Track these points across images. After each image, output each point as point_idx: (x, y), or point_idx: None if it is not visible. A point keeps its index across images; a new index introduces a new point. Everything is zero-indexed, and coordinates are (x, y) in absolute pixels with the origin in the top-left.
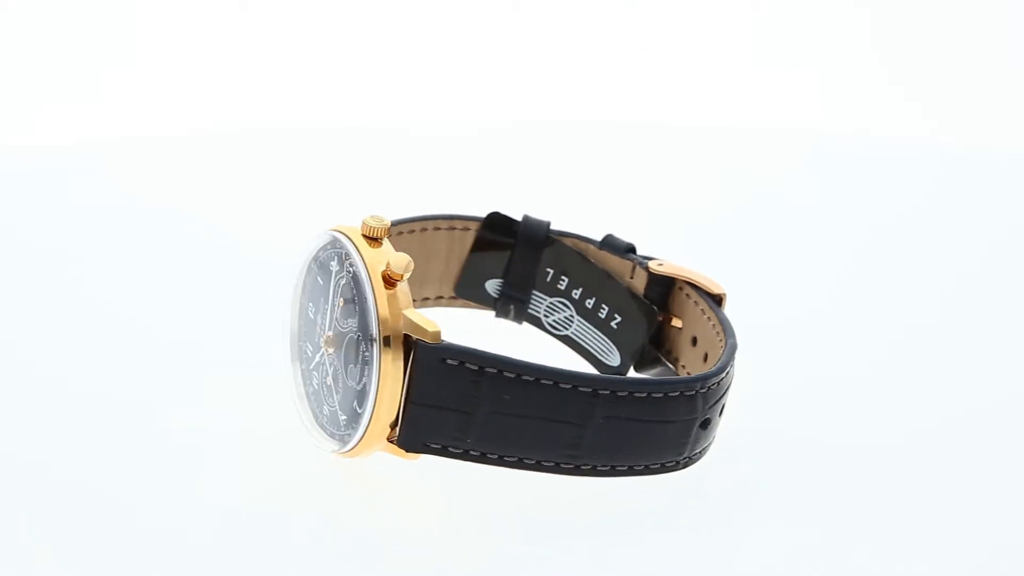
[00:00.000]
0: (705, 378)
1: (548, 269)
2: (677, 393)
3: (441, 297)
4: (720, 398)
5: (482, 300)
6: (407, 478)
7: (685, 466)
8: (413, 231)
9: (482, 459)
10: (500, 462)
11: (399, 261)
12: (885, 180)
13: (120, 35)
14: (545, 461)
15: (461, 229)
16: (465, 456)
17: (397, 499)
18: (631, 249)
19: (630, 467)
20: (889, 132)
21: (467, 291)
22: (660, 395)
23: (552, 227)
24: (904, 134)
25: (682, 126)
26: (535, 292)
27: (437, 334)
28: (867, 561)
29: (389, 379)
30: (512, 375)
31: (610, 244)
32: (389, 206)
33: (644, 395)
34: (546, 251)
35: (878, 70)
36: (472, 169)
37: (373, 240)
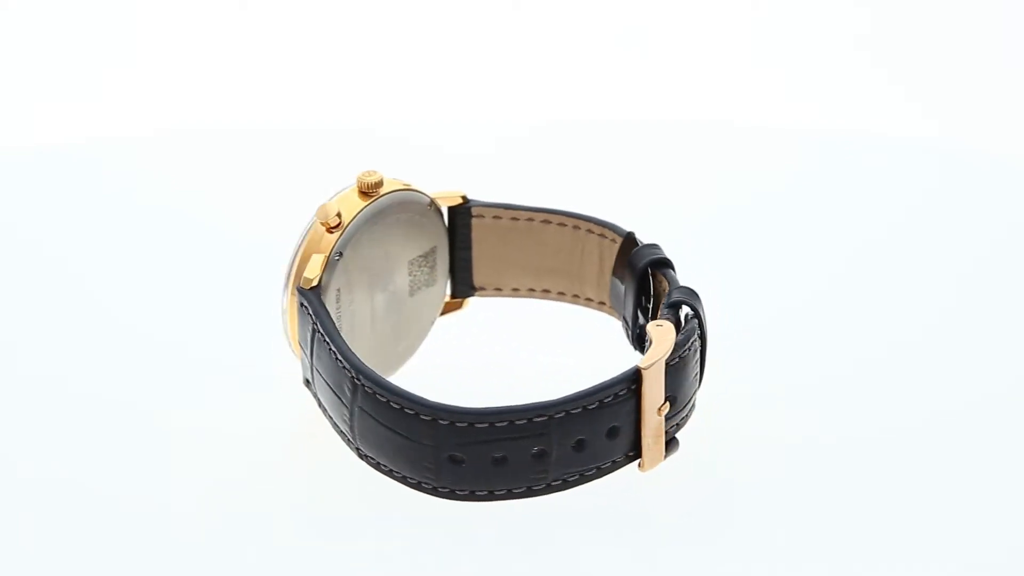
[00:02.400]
0: (446, 410)
1: (648, 305)
2: (413, 412)
3: (603, 303)
4: (488, 442)
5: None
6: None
7: (447, 497)
8: (565, 225)
9: (321, 408)
10: (326, 414)
11: (324, 210)
12: (884, 180)
13: (118, 35)
14: (342, 429)
15: (610, 240)
16: (319, 404)
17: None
18: (673, 305)
19: (391, 470)
20: (889, 132)
21: (616, 304)
22: (397, 407)
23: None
24: (904, 134)
25: (682, 125)
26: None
27: (307, 280)
28: (856, 562)
29: (289, 310)
30: (321, 335)
31: (668, 294)
32: None
33: (384, 400)
34: (647, 284)
35: (878, 70)
36: (473, 168)
37: (364, 194)
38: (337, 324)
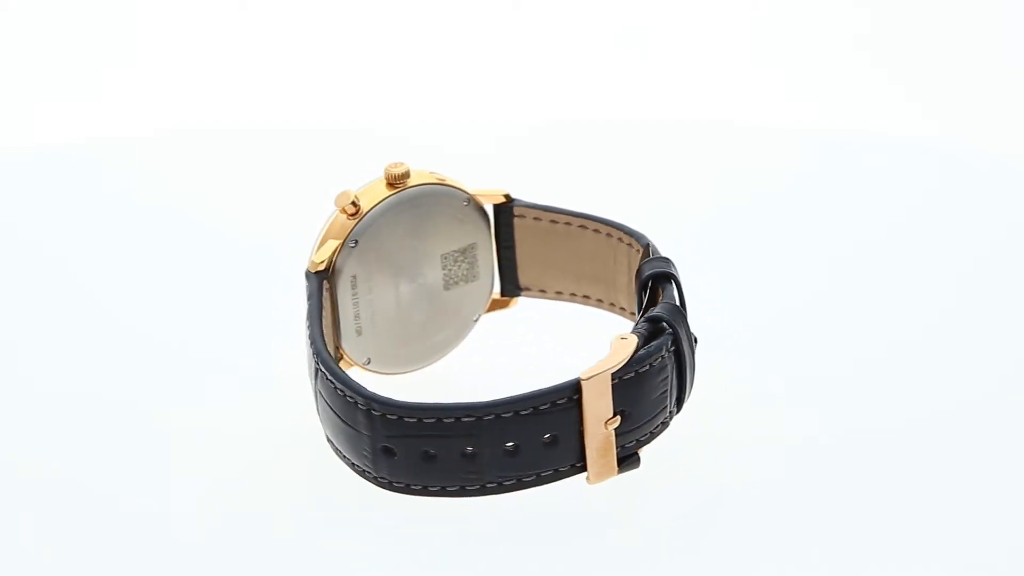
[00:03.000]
0: (378, 401)
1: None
2: (352, 401)
3: (634, 314)
4: (417, 437)
5: None
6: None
7: (387, 488)
8: (599, 232)
9: None
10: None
11: (342, 196)
12: (884, 180)
13: (118, 35)
14: (317, 412)
15: (636, 250)
16: None
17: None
18: (653, 319)
19: (343, 455)
20: (889, 132)
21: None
22: (341, 393)
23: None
24: (904, 134)
25: (682, 125)
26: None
27: (314, 264)
28: (856, 562)
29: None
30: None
31: (652, 307)
32: None
33: (332, 386)
34: (646, 296)
35: (878, 70)
36: (473, 168)
37: (390, 185)
38: (354, 310)
